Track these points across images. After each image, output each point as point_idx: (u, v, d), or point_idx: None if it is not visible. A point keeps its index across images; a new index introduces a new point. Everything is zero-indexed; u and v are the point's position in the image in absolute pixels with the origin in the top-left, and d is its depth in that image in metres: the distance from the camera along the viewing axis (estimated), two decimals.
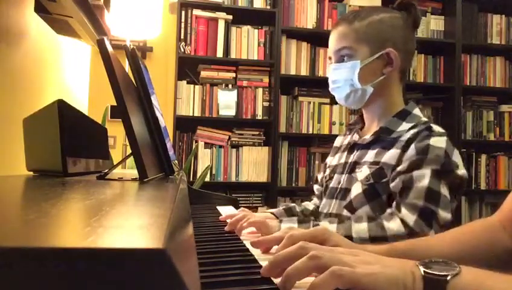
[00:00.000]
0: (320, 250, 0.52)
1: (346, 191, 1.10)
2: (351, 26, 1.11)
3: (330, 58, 1.17)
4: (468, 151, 3.35)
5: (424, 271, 0.47)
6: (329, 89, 1.17)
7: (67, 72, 1.63)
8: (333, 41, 1.14)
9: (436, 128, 1.04)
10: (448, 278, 0.46)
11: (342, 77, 1.11)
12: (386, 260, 0.52)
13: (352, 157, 1.13)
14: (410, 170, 0.98)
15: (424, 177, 0.95)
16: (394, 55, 1.09)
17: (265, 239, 0.70)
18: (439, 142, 1.00)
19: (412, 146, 1.00)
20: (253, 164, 3.08)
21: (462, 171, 1.00)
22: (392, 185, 1.00)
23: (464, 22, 3.27)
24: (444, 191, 0.95)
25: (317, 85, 3.09)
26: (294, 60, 3.15)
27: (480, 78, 3.38)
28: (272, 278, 0.53)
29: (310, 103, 3.16)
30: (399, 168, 1.00)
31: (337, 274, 0.46)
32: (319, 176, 1.30)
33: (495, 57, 3.41)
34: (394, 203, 0.99)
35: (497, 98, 3.42)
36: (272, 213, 1.18)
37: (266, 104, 3.10)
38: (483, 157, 3.36)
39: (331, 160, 1.25)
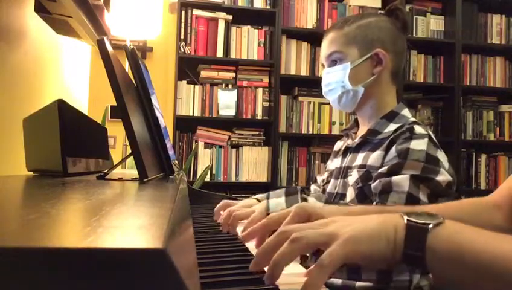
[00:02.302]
0: (300, 229, 0.51)
1: (342, 196, 1.11)
2: (340, 32, 1.14)
3: (323, 65, 1.20)
4: (468, 151, 3.35)
5: (407, 219, 0.48)
6: (323, 93, 1.20)
7: (67, 72, 1.63)
8: (324, 48, 1.18)
9: (418, 129, 1.01)
10: (430, 226, 0.47)
11: (334, 79, 1.14)
12: (367, 218, 0.52)
13: (345, 161, 1.14)
14: (390, 174, 0.97)
15: (403, 183, 0.95)
16: (383, 55, 1.11)
17: (253, 230, 0.68)
18: (419, 144, 0.98)
19: (393, 148, 1.00)
20: (253, 164, 3.08)
21: (444, 176, 0.96)
22: (372, 185, 1.00)
23: (464, 22, 3.27)
24: (423, 197, 0.94)
25: (317, 85, 3.06)
26: (294, 60, 3.15)
27: (480, 78, 3.38)
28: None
29: (310, 103, 3.16)
30: (380, 170, 1.00)
31: (326, 263, 0.46)
32: (319, 178, 1.31)
33: (495, 57, 3.41)
34: (374, 204, 0.98)
35: (497, 98, 3.42)
36: (256, 199, 1.19)
37: (266, 104, 3.10)
38: (483, 157, 3.36)
39: (330, 164, 1.27)
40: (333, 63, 1.15)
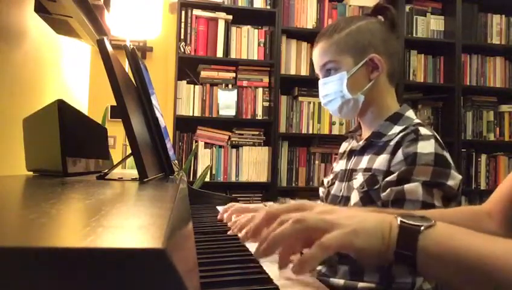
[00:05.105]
0: (302, 214, 0.53)
1: (347, 199, 1.10)
2: (330, 40, 1.12)
3: (317, 74, 1.19)
4: (468, 151, 3.35)
5: (400, 220, 0.50)
6: (322, 104, 1.19)
7: (67, 72, 1.63)
8: (317, 58, 1.16)
9: (423, 130, 1.01)
10: (422, 228, 0.49)
11: (332, 90, 1.13)
12: (365, 214, 0.54)
13: (350, 164, 1.14)
14: (400, 182, 0.96)
15: (416, 191, 0.94)
16: (378, 60, 1.09)
17: (250, 228, 0.69)
18: (426, 147, 0.97)
19: (400, 151, 0.99)
20: (253, 164, 3.08)
21: (455, 180, 0.96)
22: (382, 195, 0.99)
23: (464, 22, 3.27)
24: (438, 202, 0.94)
25: (317, 85, 3.08)
26: (294, 60, 3.15)
27: (480, 78, 3.38)
28: (272, 278, 0.53)
29: (310, 103, 3.16)
30: (388, 178, 0.98)
31: (325, 245, 0.48)
32: (325, 180, 1.30)
33: (495, 57, 3.41)
34: None
35: (497, 98, 3.42)
36: (265, 205, 1.19)
37: (266, 104, 3.10)
38: (483, 157, 3.36)
39: (336, 165, 1.26)
40: (328, 72, 1.14)
